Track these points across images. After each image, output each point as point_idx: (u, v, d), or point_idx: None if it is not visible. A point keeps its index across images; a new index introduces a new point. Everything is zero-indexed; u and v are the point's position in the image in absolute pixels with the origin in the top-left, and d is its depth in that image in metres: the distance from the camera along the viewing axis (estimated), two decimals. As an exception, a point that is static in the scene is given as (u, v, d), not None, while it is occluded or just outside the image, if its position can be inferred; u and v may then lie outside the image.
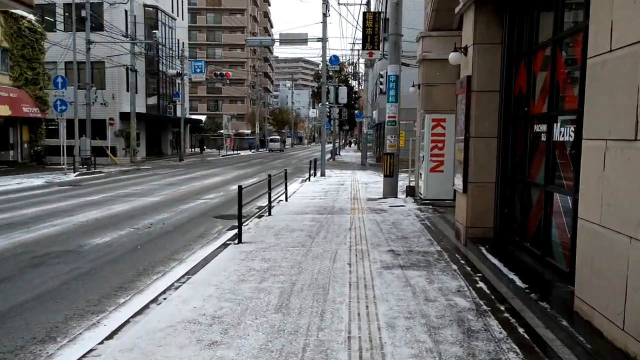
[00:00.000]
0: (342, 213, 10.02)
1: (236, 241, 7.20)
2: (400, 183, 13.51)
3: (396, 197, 12.64)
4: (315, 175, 20.42)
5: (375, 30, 13.48)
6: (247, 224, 8.57)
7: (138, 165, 28.49)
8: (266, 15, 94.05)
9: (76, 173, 20.57)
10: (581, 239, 3.85)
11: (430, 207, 10.73)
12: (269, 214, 9.79)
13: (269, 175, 9.82)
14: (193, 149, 52.45)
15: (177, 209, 11.26)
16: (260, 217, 9.55)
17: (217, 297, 4.72)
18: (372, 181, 18.37)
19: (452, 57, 7.20)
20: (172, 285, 5.16)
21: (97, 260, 6.69)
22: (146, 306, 4.49)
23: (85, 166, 22.23)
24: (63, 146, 21.12)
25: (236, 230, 7.42)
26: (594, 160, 3.64)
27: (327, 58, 21.17)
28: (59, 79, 20.23)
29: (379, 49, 13.82)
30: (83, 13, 22.65)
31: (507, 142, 6.68)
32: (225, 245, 7.12)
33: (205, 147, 51.21)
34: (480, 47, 6.78)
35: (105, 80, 32.92)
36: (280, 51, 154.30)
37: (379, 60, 27.66)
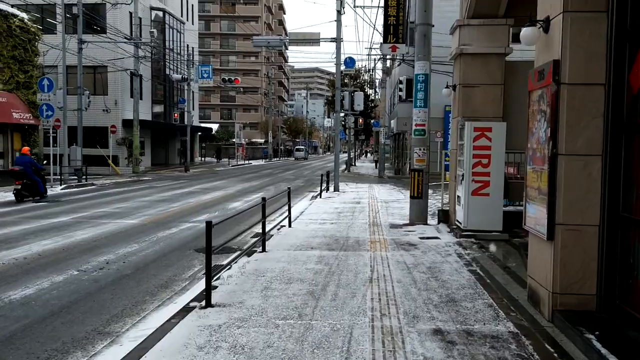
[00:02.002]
0: (359, 249, 7.66)
1: (204, 302, 4.90)
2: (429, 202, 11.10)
3: (426, 223, 10.24)
4: (327, 190, 18.10)
5: (399, 20, 11.17)
6: (228, 269, 6.27)
7: (139, 176, 26.52)
8: (281, 23, 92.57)
9: (63, 185, 18.57)
10: None
11: (473, 240, 8.31)
12: (263, 250, 7.48)
13: (263, 199, 7.52)
14: (203, 159, 50.61)
15: (152, 238, 9.02)
16: (250, 254, 7.25)
17: None
18: (393, 198, 15.98)
19: (526, 35, 4.85)
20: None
21: (-10, 334, 4.45)
22: None
23: (76, 177, 20.23)
24: (53, 155, 19.18)
25: (217, 274, 5.13)
26: None
27: (342, 60, 18.91)
28: (44, 81, 18.34)
29: (403, 42, 11.50)
30: (75, 10, 20.79)
31: (617, 162, 4.29)
32: (187, 309, 4.82)
33: (221, 157, 49.22)
34: (574, 16, 4.43)
35: (108, 85, 31.16)
36: (294, 57, 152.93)
37: (400, 62, 25.35)
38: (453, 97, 9.89)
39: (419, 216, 10.23)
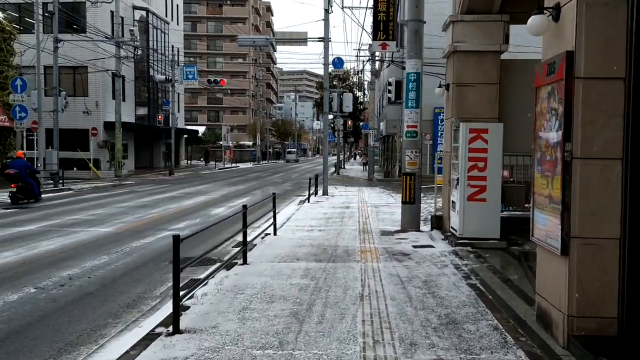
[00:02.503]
0: (349, 259, 7.09)
1: (172, 327, 4.29)
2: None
3: (419, 229, 9.70)
4: (316, 194, 17.52)
5: (389, 16, 10.65)
6: (204, 285, 5.65)
7: (121, 180, 25.71)
8: (269, 25, 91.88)
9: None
10: None
11: (470, 249, 7.78)
12: (244, 262, 6.88)
13: (244, 207, 6.92)
14: (189, 162, 49.71)
15: (125, 248, 8.36)
16: (230, 266, 6.64)
17: None
18: (383, 202, 15.45)
19: (534, 24, 4.33)
20: None
21: None
22: None
23: (52, 182, 19.39)
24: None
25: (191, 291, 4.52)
26: None
27: (330, 60, 18.37)
28: (17, 81, 17.54)
29: (393, 39, 10.98)
30: (51, 7, 19.99)
31: (639, 166, 3.78)
32: (151, 336, 4.21)
33: (209, 159, 48.20)
34: (590, 1, 3.91)
35: (88, 86, 30.28)
36: (283, 60, 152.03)
37: (389, 63, 24.87)
38: (446, 97, 9.38)
39: (411, 222, 9.69)
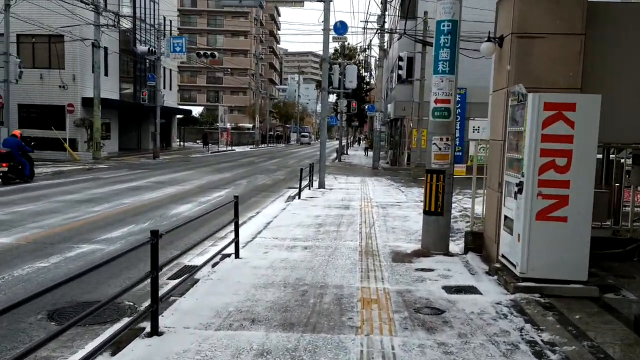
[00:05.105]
0: (341, 326, 4.09)
1: None
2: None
3: (447, 252, 6.69)
4: (310, 186, 14.51)
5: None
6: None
7: (96, 164, 22.78)
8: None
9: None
10: None
11: (541, 299, 4.78)
12: (152, 331, 3.88)
13: (152, 237, 3.89)
14: (183, 143, 46.68)
15: (12, 275, 5.41)
16: (130, 339, 3.68)
17: None
18: (392, 201, 12.44)
19: None
20: None
21: None
22: None
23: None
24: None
25: None
26: None
27: (331, 25, 15.20)
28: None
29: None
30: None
31: None
32: None
33: (207, 142, 44.85)
34: None
35: (65, 58, 27.14)
36: (287, 41, 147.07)
37: (400, 36, 21.41)
38: (496, 58, 6.29)
39: (437, 242, 6.67)
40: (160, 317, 4.10)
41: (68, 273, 5.69)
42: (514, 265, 5.19)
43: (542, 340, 3.83)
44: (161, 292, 4.79)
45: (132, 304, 4.82)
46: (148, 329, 3.86)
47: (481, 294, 4.98)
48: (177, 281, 5.06)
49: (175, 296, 4.70)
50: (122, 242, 7.31)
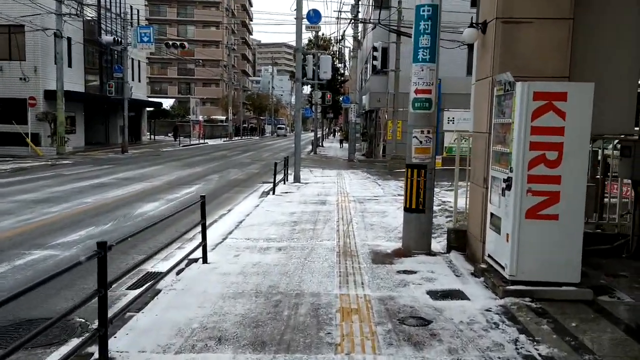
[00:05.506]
0: (318, 342, 3.68)
1: None
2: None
3: (429, 251, 6.33)
4: (285, 180, 14.04)
5: None
6: None
7: (60, 159, 21.72)
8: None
9: None
10: None
11: (532, 303, 4.45)
12: (102, 356, 3.39)
13: (99, 249, 3.37)
14: (153, 137, 45.37)
15: None
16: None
17: None
18: (369, 194, 12.08)
19: None
20: None
21: None
22: None
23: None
24: None
25: None
26: None
27: (304, 14, 14.66)
28: None
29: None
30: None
31: None
32: None
33: (178, 135, 43.61)
34: None
35: (26, 49, 25.79)
36: (260, 31, 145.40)
37: (374, 26, 20.89)
38: (479, 44, 5.92)
39: (418, 241, 6.30)
40: (112, 339, 3.62)
41: (15, 286, 5.13)
42: (502, 267, 4.85)
43: (539, 355, 3.48)
44: (117, 306, 4.30)
45: (83, 320, 4.29)
46: (96, 355, 3.35)
47: (469, 299, 4.62)
48: (137, 292, 4.55)
49: (133, 311, 4.20)
50: (80, 247, 6.71)
